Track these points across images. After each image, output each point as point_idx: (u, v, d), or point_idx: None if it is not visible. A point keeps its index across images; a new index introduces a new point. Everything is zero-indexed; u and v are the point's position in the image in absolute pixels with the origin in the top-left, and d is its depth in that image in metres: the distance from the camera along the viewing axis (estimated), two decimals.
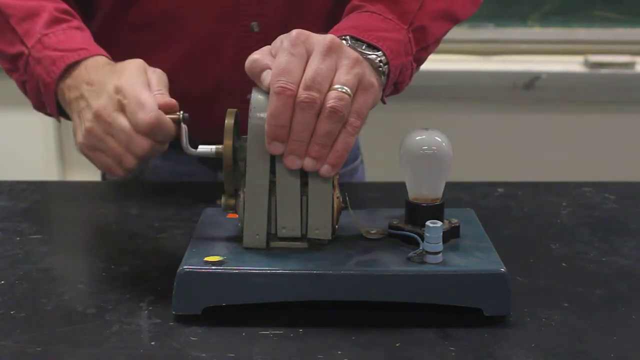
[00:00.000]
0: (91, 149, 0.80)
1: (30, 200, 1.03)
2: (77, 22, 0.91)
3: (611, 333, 0.70)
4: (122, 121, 0.77)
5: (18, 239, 0.91)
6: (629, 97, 2.07)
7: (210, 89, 0.99)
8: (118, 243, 0.89)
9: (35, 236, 0.91)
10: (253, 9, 0.97)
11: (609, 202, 1.03)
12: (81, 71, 0.84)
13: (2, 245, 0.89)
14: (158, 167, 1.11)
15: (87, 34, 0.90)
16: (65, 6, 0.92)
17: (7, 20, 0.89)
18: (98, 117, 0.78)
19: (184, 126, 0.77)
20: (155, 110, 0.75)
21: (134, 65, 0.80)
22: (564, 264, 0.84)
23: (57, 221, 0.99)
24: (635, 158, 2.08)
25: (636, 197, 1.04)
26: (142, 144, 0.76)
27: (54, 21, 0.89)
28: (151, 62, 0.83)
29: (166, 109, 0.77)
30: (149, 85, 0.78)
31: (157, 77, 0.80)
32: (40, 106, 0.90)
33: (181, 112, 0.77)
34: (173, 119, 0.77)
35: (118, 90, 0.77)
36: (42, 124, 2.04)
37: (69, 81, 0.84)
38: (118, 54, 0.98)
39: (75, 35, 0.88)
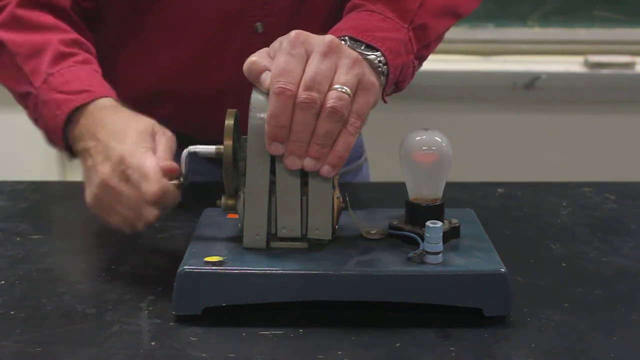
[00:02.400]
0: (101, 211, 0.80)
1: (30, 200, 1.03)
2: (83, 55, 0.89)
3: (611, 333, 0.70)
4: (127, 192, 0.76)
5: (18, 239, 0.91)
6: (629, 97, 2.07)
7: (216, 90, 0.99)
8: (118, 243, 0.89)
9: (35, 236, 0.91)
10: (257, 10, 0.97)
11: (609, 202, 1.02)
12: (88, 119, 0.83)
13: (2, 245, 0.89)
14: None
15: (93, 68, 0.89)
16: (71, 36, 0.90)
17: (14, 59, 0.89)
18: (105, 186, 0.77)
19: (187, 161, 0.77)
20: (159, 181, 0.74)
21: (139, 126, 0.79)
22: (564, 264, 0.84)
23: (57, 221, 0.99)
24: (635, 158, 2.08)
25: (636, 197, 1.04)
26: (151, 212, 0.76)
27: (60, 57, 0.87)
28: (157, 65, 0.83)
29: (168, 175, 0.76)
30: (153, 149, 0.77)
31: (165, 141, 0.79)
32: (52, 143, 0.90)
33: (181, 177, 0.77)
34: (175, 185, 0.76)
35: (121, 161, 0.76)
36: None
37: (77, 131, 0.83)
38: (126, 59, 0.98)
39: (81, 72, 0.87)
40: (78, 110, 0.83)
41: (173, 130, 0.81)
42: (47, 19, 0.91)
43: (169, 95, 1.01)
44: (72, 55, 0.88)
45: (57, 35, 0.89)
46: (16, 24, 0.90)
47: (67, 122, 0.84)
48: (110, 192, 0.77)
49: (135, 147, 0.77)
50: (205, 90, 0.99)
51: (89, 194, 0.80)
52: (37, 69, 0.87)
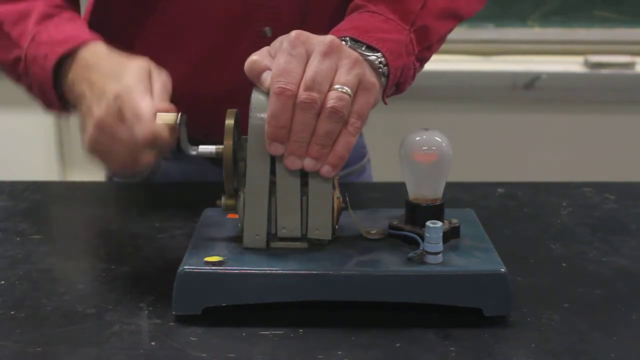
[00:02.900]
0: (99, 154, 0.79)
1: (30, 200, 1.03)
2: (69, 14, 0.90)
3: (611, 333, 0.70)
4: (122, 132, 0.75)
5: (18, 239, 0.91)
6: (629, 97, 2.07)
7: (224, 93, 0.99)
8: (118, 243, 0.89)
9: (35, 236, 0.91)
10: (265, 14, 0.97)
11: (609, 202, 1.03)
12: (80, 64, 0.82)
13: (2, 245, 0.89)
14: (169, 169, 1.11)
15: (79, 22, 0.89)
16: (56, 1, 0.91)
17: (1, 28, 0.89)
18: (100, 127, 0.77)
19: (183, 128, 0.76)
20: (151, 123, 0.74)
21: (136, 68, 0.79)
22: (564, 264, 0.84)
23: (57, 221, 0.99)
24: (635, 158, 2.08)
25: (636, 197, 1.04)
26: (145, 155, 0.75)
27: (45, 17, 0.88)
28: (165, 68, 0.83)
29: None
30: (150, 90, 0.77)
31: (161, 83, 0.78)
32: (48, 105, 0.89)
33: (179, 114, 0.76)
34: (171, 122, 0.75)
35: (117, 98, 0.76)
36: (42, 124, 2.04)
37: (69, 78, 0.83)
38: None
39: (67, 25, 0.87)
40: (68, 57, 0.83)
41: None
42: None
43: (176, 98, 1.01)
44: (57, 14, 0.89)
45: (43, 1, 0.90)
46: None
47: (58, 72, 0.84)
48: (106, 132, 0.76)
49: (132, 85, 0.76)
50: (212, 93, 1.00)
51: (86, 138, 0.78)
52: (24, 31, 0.87)
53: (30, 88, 0.89)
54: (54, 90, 0.85)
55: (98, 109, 0.77)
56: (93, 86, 0.79)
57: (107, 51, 0.84)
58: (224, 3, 0.96)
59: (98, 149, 0.78)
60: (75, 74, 0.82)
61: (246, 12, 0.96)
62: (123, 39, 0.99)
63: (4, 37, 0.89)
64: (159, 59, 0.90)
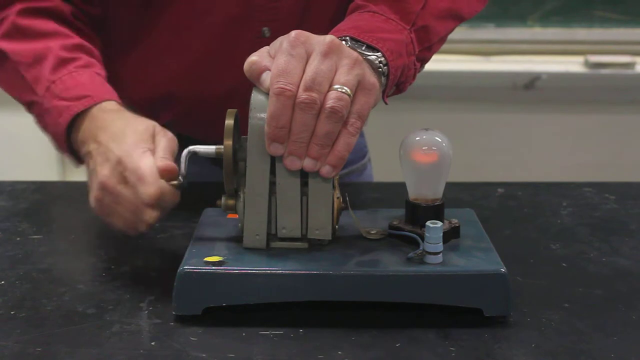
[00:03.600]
0: (103, 214, 0.80)
1: (30, 200, 1.03)
2: (85, 59, 0.89)
3: (611, 333, 0.70)
4: (125, 194, 0.76)
5: (18, 239, 0.91)
6: (629, 97, 2.07)
7: (223, 94, 0.99)
8: (118, 243, 0.89)
9: (35, 236, 0.91)
10: (264, 14, 0.97)
11: (609, 203, 1.03)
12: (90, 124, 0.83)
13: (2, 245, 0.89)
14: None
15: (95, 71, 0.89)
16: (73, 41, 0.90)
17: (17, 69, 0.89)
18: (104, 188, 0.77)
19: (186, 162, 0.77)
20: (156, 182, 0.74)
21: (139, 128, 0.79)
22: (564, 264, 0.84)
23: (57, 221, 0.99)
24: (635, 158, 2.08)
25: (636, 197, 1.04)
26: (150, 214, 0.76)
27: (61, 63, 0.87)
28: (165, 69, 0.83)
29: (165, 176, 0.75)
30: (151, 150, 0.77)
31: (165, 142, 0.78)
32: (60, 151, 0.90)
33: (180, 177, 0.76)
34: (174, 185, 0.76)
35: (119, 162, 0.76)
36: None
37: (80, 135, 0.84)
38: (134, 63, 0.98)
39: (82, 76, 0.87)
40: (80, 115, 0.84)
41: (179, 133, 0.81)
42: (48, 25, 0.91)
43: (177, 99, 1.01)
44: (73, 60, 0.88)
45: (58, 41, 0.89)
46: (17, 33, 0.90)
47: (71, 128, 0.84)
48: (109, 194, 0.77)
49: (133, 148, 0.77)
50: (212, 94, 1.00)
51: (91, 196, 0.80)
52: (39, 76, 0.87)
53: (44, 130, 0.90)
54: (66, 142, 0.86)
55: (102, 171, 0.78)
56: (99, 147, 0.80)
57: (118, 110, 0.84)
58: (223, 4, 0.96)
59: (103, 208, 0.79)
60: (85, 133, 0.83)
61: (246, 12, 0.96)
62: (124, 41, 0.99)
63: (19, 78, 0.89)
64: (160, 60, 0.90)
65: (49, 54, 0.88)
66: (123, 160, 0.76)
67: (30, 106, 0.90)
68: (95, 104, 0.84)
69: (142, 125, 0.80)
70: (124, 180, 0.76)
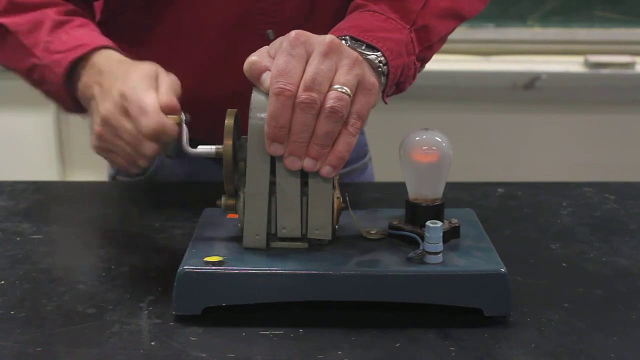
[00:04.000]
0: (104, 151, 0.82)
1: (30, 200, 1.03)
2: (80, 20, 0.92)
3: (611, 333, 0.70)
4: (126, 126, 0.78)
5: (18, 239, 0.91)
6: (629, 97, 2.07)
7: (228, 96, 0.99)
8: (118, 243, 0.89)
9: (35, 236, 0.91)
10: (267, 16, 0.97)
11: (609, 202, 1.03)
12: (92, 68, 0.85)
13: (2, 245, 0.89)
14: (175, 168, 1.11)
15: (90, 28, 0.92)
16: (67, 7, 0.93)
17: (16, 37, 0.92)
18: (106, 122, 0.80)
19: (184, 127, 0.78)
20: (157, 115, 0.77)
21: (143, 69, 0.82)
22: (564, 264, 0.84)
23: (57, 221, 0.99)
24: (635, 158, 2.08)
25: (636, 197, 1.04)
26: (150, 146, 0.78)
27: (56, 25, 0.90)
28: (170, 70, 0.84)
29: (167, 111, 0.78)
30: (155, 88, 0.79)
31: (169, 81, 0.81)
32: (66, 109, 0.92)
33: (182, 113, 0.79)
34: (174, 121, 0.78)
35: (122, 95, 0.79)
36: (42, 124, 2.04)
37: (81, 83, 0.86)
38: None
39: (78, 33, 0.90)
40: (81, 63, 0.86)
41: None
42: None
43: (180, 101, 1.02)
44: (68, 21, 0.91)
45: (54, 9, 0.92)
46: (14, 7, 0.93)
47: (72, 77, 0.86)
48: (111, 127, 0.79)
49: (137, 83, 0.79)
50: (215, 96, 1.00)
51: (93, 135, 0.81)
52: (37, 40, 0.90)
53: (47, 94, 0.93)
54: (68, 95, 0.88)
55: (103, 106, 0.80)
56: (102, 88, 0.82)
57: (119, 57, 0.87)
58: (227, 8, 0.96)
59: (103, 145, 0.81)
60: (87, 79, 0.85)
61: (249, 16, 0.97)
62: (128, 44, 1.00)
63: (18, 46, 0.92)
64: (163, 64, 0.90)
65: (46, 19, 0.91)
66: (126, 93, 0.78)
67: (31, 72, 0.91)
68: (93, 51, 0.86)
69: (145, 66, 0.82)
70: (126, 112, 0.78)
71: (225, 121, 0.74)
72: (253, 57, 0.73)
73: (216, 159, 0.77)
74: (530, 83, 2.03)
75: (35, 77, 0.91)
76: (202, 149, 0.77)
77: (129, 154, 0.79)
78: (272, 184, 0.73)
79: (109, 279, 0.80)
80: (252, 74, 0.72)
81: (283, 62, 0.70)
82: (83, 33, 0.90)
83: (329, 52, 0.71)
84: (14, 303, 0.75)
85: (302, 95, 0.69)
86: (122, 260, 0.84)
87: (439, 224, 0.72)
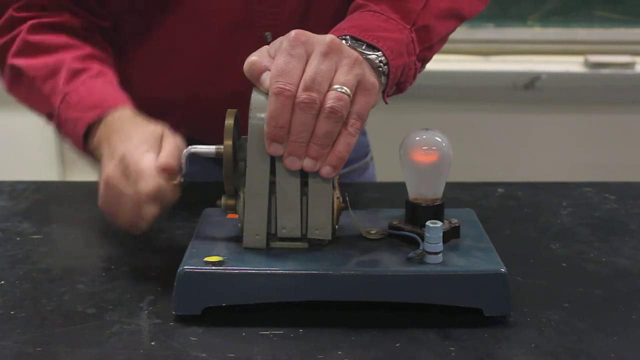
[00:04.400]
0: (109, 211, 0.81)
1: (30, 200, 1.03)
2: (97, 68, 0.92)
3: (611, 333, 0.70)
4: (127, 189, 0.77)
5: (18, 239, 0.91)
6: (629, 97, 2.07)
7: (227, 98, 0.99)
8: (118, 243, 0.89)
9: (35, 236, 0.91)
10: (266, 19, 0.97)
11: (609, 202, 1.03)
12: (104, 130, 0.85)
13: (2, 245, 0.89)
14: None
15: (107, 79, 0.91)
16: (84, 51, 0.93)
17: (33, 83, 0.92)
18: (108, 183, 0.79)
19: (187, 163, 0.78)
20: (154, 177, 0.75)
21: (148, 129, 0.81)
22: (564, 264, 0.84)
23: (57, 221, 0.99)
24: (635, 158, 2.08)
25: (636, 197, 1.04)
26: (149, 210, 0.76)
27: (74, 74, 0.90)
28: (170, 72, 0.85)
29: (164, 174, 0.76)
30: (155, 150, 0.78)
31: (172, 143, 0.79)
32: (85, 160, 0.92)
33: (179, 177, 0.77)
34: (174, 184, 0.76)
35: (122, 158, 0.78)
36: (42, 124, 2.03)
37: (95, 141, 0.86)
38: (137, 67, 0.99)
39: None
40: (95, 124, 0.86)
41: (183, 135, 0.82)
42: (59, 39, 0.93)
43: (180, 103, 1.02)
44: (85, 70, 0.91)
45: (70, 53, 0.92)
46: (30, 49, 0.93)
47: (88, 134, 0.86)
48: (113, 189, 0.78)
49: (136, 146, 0.78)
50: (214, 98, 1.00)
51: (99, 194, 0.81)
52: (55, 89, 0.90)
53: (63, 139, 0.93)
54: (85, 151, 0.88)
55: (107, 168, 0.79)
56: (109, 148, 0.82)
57: (131, 116, 0.86)
58: (225, 10, 0.96)
59: (108, 206, 0.80)
60: (99, 138, 0.85)
61: (247, 18, 0.97)
62: (130, 47, 1.00)
63: (36, 92, 0.92)
64: (162, 65, 0.90)
65: (62, 66, 0.91)
66: (126, 156, 0.77)
67: (49, 117, 0.92)
68: (108, 113, 0.86)
69: (150, 128, 0.81)
70: (126, 176, 0.77)
71: (225, 121, 0.74)
72: (253, 57, 0.73)
73: (216, 159, 0.77)
74: (530, 83, 2.03)
75: (54, 123, 0.92)
76: (202, 149, 0.77)
77: (130, 216, 0.78)
78: (272, 184, 0.73)
79: (109, 279, 0.80)
80: (252, 74, 0.72)
81: (283, 62, 0.70)
82: (100, 87, 0.90)
83: (329, 52, 0.71)
84: (14, 303, 0.75)
85: (302, 95, 0.69)
86: (122, 260, 0.84)
87: (439, 224, 0.72)
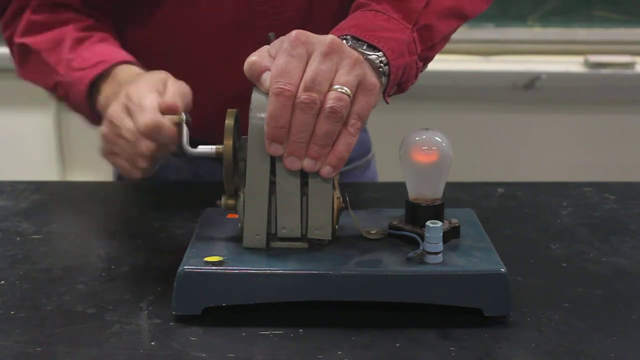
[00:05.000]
0: (108, 153, 0.83)
1: (30, 200, 1.03)
2: (99, 34, 0.95)
3: (611, 333, 0.70)
4: (127, 123, 0.79)
5: (18, 239, 0.91)
6: (629, 97, 2.07)
7: (230, 99, 0.99)
8: (118, 243, 0.89)
9: (35, 236, 0.91)
10: (268, 20, 0.97)
11: (609, 202, 1.03)
12: (112, 82, 0.88)
13: (2, 245, 0.89)
14: (179, 167, 1.12)
15: (110, 42, 0.95)
16: (86, 22, 0.96)
17: (39, 55, 0.95)
18: (109, 121, 0.81)
19: (184, 127, 0.78)
20: (154, 112, 0.78)
21: (152, 75, 0.84)
22: (564, 264, 0.84)
23: (57, 221, 0.99)
24: (635, 158, 2.08)
25: (636, 197, 1.04)
26: (147, 145, 0.78)
27: (77, 42, 0.93)
28: (171, 73, 0.85)
29: (166, 111, 0.78)
30: (159, 90, 0.81)
31: (176, 86, 0.83)
32: (92, 122, 0.94)
33: (183, 114, 0.79)
34: (173, 121, 0.78)
35: (126, 96, 0.80)
36: (42, 124, 2.04)
37: (104, 93, 0.88)
38: (144, 66, 1.00)
39: (97, 48, 0.93)
40: (101, 79, 0.88)
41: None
42: (62, 16, 0.96)
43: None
44: (88, 37, 0.94)
45: (73, 25, 0.95)
46: (35, 27, 0.96)
47: (94, 93, 0.89)
48: (113, 127, 0.80)
49: (142, 86, 0.81)
50: (216, 99, 1.00)
51: (100, 138, 0.83)
52: (60, 58, 0.93)
53: (73, 108, 0.96)
54: (91, 109, 0.91)
55: (110, 108, 0.82)
56: (116, 95, 0.84)
57: (139, 70, 0.89)
58: (228, 11, 0.96)
59: (107, 146, 0.82)
60: (107, 92, 0.88)
61: (250, 19, 0.97)
62: (129, 47, 1.00)
63: (42, 64, 0.95)
64: (164, 66, 0.90)
65: (66, 37, 0.94)
66: (130, 93, 0.80)
67: (56, 89, 0.94)
68: (113, 66, 0.89)
69: (156, 74, 0.85)
70: (127, 111, 0.79)
71: (225, 121, 0.74)
72: (253, 57, 0.73)
73: (217, 159, 0.77)
74: (530, 83, 2.03)
75: (60, 93, 0.94)
76: (202, 148, 0.77)
77: (128, 154, 0.80)
78: (272, 184, 0.73)
79: (109, 279, 0.80)
80: (252, 74, 0.72)
81: (283, 62, 0.70)
82: (103, 48, 0.93)
83: (330, 52, 0.71)
84: (14, 303, 0.75)
85: (302, 96, 0.69)
86: (122, 260, 0.84)
87: (439, 224, 0.72)
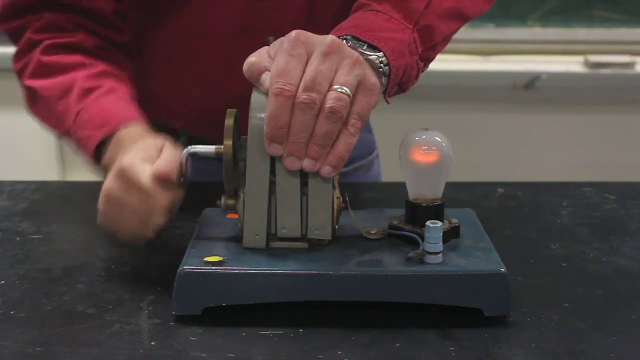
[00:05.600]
0: (109, 224, 0.80)
1: (30, 200, 1.03)
2: (108, 85, 0.92)
3: (611, 333, 0.70)
4: (131, 203, 0.76)
5: (18, 239, 0.91)
6: (629, 97, 2.07)
7: (231, 102, 0.99)
8: (118, 243, 0.89)
9: (35, 236, 0.91)
10: (269, 24, 0.97)
11: (609, 202, 1.03)
12: (113, 148, 0.85)
13: (2, 245, 0.89)
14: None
15: (117, 96, 0.91)
16: (96, 69, 0.93)
17: (48, 103, 0.93)
18: (107, 199, 0.78)
19: (189, 160, 0.77)
20: (158, 193, 0.75)
21: (146, 143, 0.81)
22: (564, 264, 0.84)
23: (57, 221, 0.99)
24: (635, 158, 2.08)
25: (636, 197, 1.04)
26: (159, 220, 0.77)
27: (85, 93, 0.90)
28: (174, 78, 0.84)
29: (159, 182, 0.75)
30: (152, 159, 0.78)
31: (170, 153, 0.79)
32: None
33: (181, 177, 0.77)
34: (176, 186, 0.76)
35: (119, 170, 0.77)
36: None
37: (107, 154, 0.86)
38: (140, 72, 0.99)
39: (106, 103, 0.90)
40: (105, 141, 0.86)
41: (188, 135, 0.82)
42: (72, 58, 0.94)
43: (186, 106, 1.02)
44: (97, 88, 0.91)
45: (83, 72, 0.92)
46: (44, 70, 0.93)
47: (101, 149, 0.86)
48: (114, 202, 0.78)
49: (132, 156, 0.78)
50: (217, 103, 1.00)
51: (99, 208, 0.80)
52: (67, 108, 0.91)
53: (82, 157, 0.93)
54: (99, 167, 0.88)
55: (105, 182, 0.79)
56: (114, 162, 0.81)
57: (141, 132, 0.85)
58: (228, 15, 0.96)
59: (108, 219, 0.80)
60: (110, 154, 0.85)
61: (250, 23, 0.97)
62: (139, 51, 1.00)
63: (51, 112, 0.93)
64: (166, 71, 0.90)
65: (74, 84, 0.91)
66: (123, 167, 0.77)
67: (65, 136, 0.93)
68: (118, 129, 0.86)
69: (151, 140, 0.81)
70: (127, 187, 0.76)
71: (225, 121, 0.74)
72: (252, 58, 0.73)
73: (217, 159, 0.77)
74: (530, 83, 2.03)
75: (71, 143, 0.92)
76: (202, 148, 0.77)
77: (136, 226, 0.78)
78: (272, 184, 0.73)
79: (109, 279, 0.80)
80: (252, 75, 0.72)
81: (283, 62, 0.70)
82: (110, 104, 0.89)
83: (330, 52, 0.71)
84: (14, 303, 0.75)
85: (302, 96, 0.69)
86: (122, 260, 0.84)
87: (439, 224, 0.72)
